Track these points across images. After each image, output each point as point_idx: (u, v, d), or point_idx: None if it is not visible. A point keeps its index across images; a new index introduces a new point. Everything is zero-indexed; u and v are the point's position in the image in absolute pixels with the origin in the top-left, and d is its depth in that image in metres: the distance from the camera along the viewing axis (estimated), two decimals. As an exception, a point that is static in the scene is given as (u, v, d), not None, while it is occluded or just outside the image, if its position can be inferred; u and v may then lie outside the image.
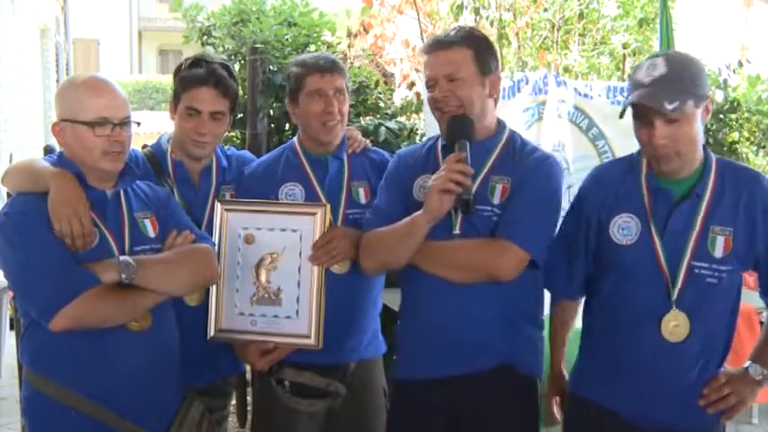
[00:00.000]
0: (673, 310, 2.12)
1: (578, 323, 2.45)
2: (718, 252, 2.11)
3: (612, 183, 2.26)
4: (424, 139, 4.09)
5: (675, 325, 2.12)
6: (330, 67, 2.57)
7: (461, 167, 2.17)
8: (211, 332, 2.48)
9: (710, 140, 6.25)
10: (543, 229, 2.29)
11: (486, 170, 2.32)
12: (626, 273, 2.19)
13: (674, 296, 2.12)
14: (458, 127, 2.27)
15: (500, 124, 2.42)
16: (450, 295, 2.27)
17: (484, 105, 2.34)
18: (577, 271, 2.33)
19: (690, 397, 2.16)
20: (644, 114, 2.08)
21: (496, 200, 2.29)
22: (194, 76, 2.53)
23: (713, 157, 2.20)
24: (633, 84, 2.13)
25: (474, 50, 2.31)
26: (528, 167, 2.31)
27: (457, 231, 2.28)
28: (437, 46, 2.33)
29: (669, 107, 2.01)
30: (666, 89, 2.03)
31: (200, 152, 2.59)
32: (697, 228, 2.12)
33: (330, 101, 2.55)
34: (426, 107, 4.24)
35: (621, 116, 2.15)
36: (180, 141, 2.60)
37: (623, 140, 4.53)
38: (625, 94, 2.24)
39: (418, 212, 2.23)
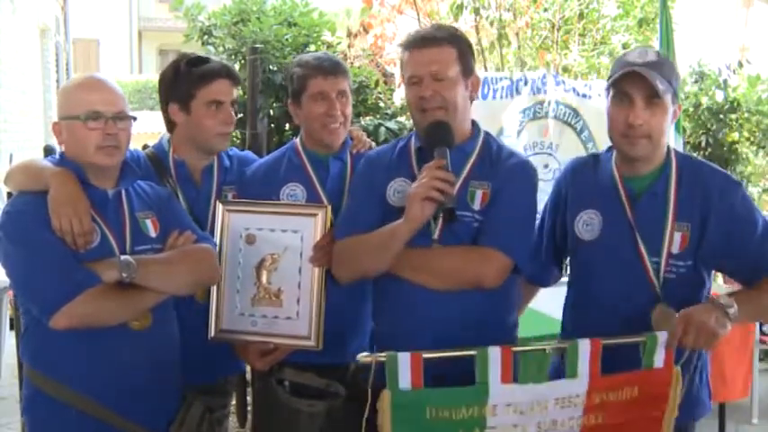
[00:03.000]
0: None
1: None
2: None
3: (583, 178, 2.37)
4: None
5: None
6: (334, 70, 2.56)
7: (443, 174, 2.11)
8: (212, 332, 2.48)
9: (710, 140, 6.27)
10: (525, 234, 2.28)
11: (464, 175, 2.28)
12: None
13: None
14: (437, 134, 2.23)
15: (475, 127, 2.39)
16: (427, 300, 2.22)
17: (465, 107, 2.32)
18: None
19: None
20: (626, 93, 2.17)
21: (477, 206, 2.25)
22: (211, 69, 2.54)
23: (673, 155, 2.28)
24: (623, 63, 2.22)
25: (458, 50, 2.28)
26: (508, 173, 2.29)
27: (436, 238, 2.23)
28: (422, 43, 2.28)
29: (660, 86, 2.11)
30: (657, 73, 2.14)
31: (225, 145, 2.63)
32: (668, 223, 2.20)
33: (333, 104, 2.54)
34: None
35: (607, 90, 2.27)
36: (199, 140, 2.57)
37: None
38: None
39: (398, 222, 2.18)
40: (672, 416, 2.09)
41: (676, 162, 2.25)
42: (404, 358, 1.96)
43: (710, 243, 2.17)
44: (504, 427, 2.03)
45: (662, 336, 2.03)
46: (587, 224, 2.27)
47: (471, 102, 2.37)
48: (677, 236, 2.17)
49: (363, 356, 2.00)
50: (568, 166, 2.47)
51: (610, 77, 2.25)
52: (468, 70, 2.31)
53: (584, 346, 1.98)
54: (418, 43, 2.29)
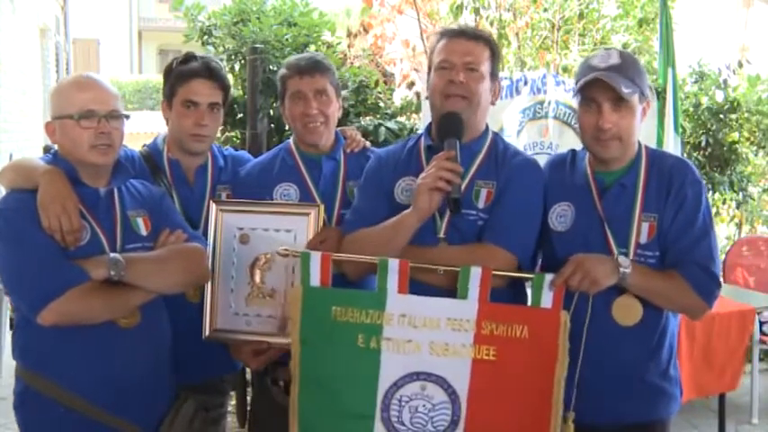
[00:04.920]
0: None
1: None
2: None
3: (559, 172, 2.40)
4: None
5: None
6: (310, 69, 2.57)
7: (451, 165, 2.16)
8: (206, 332, 2.48)
9: (710, 140, 6.25)
10: (528, 232, 2.31)
11: (471, 174, 2.33)
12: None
13: None
14: (449, 124, 2.27)
15: (485, 127, 2.43)
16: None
17: (485, 107, 2.38)
18: None
19: None
20: (593, 98, 2.22)
21: (481, 204, 2.30)
22: (189, 69, 2.56)
23: (644, 150, 2.33)
24: (587, 68, 2.26)
25: (491, 51, 2.37)
26: (512, 172, 2.33)
27: (442, 235, 2.27)
28: (462, 34, 2.36)
29: (625, 90, 2.17)
30: (621, 76, 2.19)
31: (199, 147, 2.60)
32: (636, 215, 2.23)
33: (309, 103, 2.55)
34: (426, 106, 4.24)
35: (575, 96, 2.33)
36: (177, 138, 2.60)
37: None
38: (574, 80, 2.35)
39: (406, 212, 2.22)
40: (562, 371, 2.10)
41: (647, 156, 2.31)
42: (315, 257, 2.16)
43: (663, 231, 2.22)
44: (399, 341, 2.14)
45: (549, 276, 2.11)
46: (561, 216, 2.31)
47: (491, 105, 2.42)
48: (645, 226, 2.22)
49: (282, 250, 2.26)
50: (547, 162, 2.50)
51: (576, 83, 2.30)
52: (495, 74, 2.39)
53: (476, 270, 2.10)
54: (457, 33, 2.36)
